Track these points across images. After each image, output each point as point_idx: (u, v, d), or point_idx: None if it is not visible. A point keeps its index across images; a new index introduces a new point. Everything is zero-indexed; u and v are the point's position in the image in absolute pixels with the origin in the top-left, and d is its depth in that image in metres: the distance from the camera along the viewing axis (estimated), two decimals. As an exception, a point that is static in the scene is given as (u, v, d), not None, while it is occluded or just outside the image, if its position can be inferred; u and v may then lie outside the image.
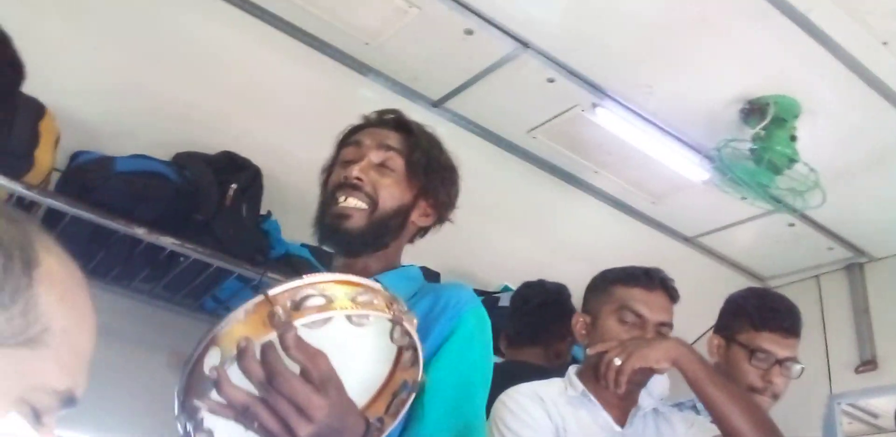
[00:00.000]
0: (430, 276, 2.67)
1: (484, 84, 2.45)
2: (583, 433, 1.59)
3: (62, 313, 0.55)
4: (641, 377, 1.61)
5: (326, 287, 0.88)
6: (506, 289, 2.93)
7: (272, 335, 0.83)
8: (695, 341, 3.11)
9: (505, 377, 1.67)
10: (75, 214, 1.99)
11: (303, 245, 2.42)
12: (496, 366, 2.29)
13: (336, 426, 0.89)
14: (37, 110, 2.04)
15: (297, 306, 0.85)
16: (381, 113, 1.43)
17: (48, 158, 2.06)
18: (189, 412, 0.85)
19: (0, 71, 1.87)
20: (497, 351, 2.44)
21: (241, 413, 0.85)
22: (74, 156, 2.19)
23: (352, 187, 1.28)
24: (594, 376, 1.63)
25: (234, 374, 0.83)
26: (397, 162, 1.33)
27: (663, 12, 2.12)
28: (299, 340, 0.84)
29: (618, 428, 1.63)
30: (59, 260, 0.57)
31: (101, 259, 2.18)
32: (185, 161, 2.28)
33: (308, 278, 0.88)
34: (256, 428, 0.86)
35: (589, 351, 1.65)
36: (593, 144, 2.68)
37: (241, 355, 0.82)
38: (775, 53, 2.22)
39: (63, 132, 2.14)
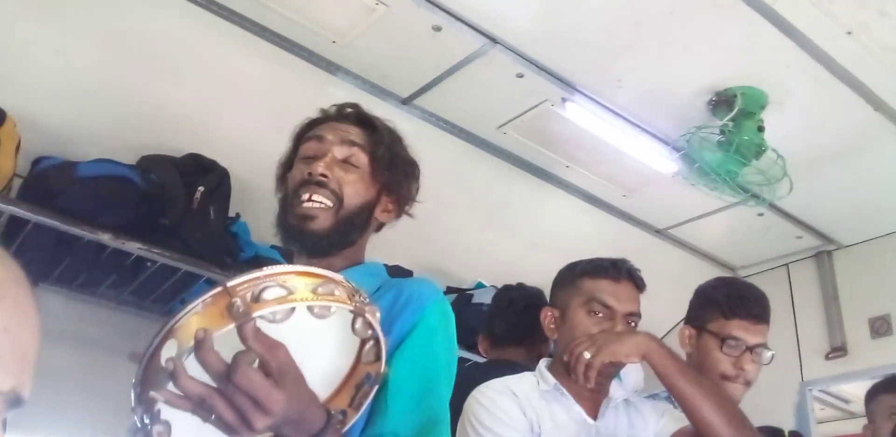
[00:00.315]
0: (403, 274, 2.67)
1: (453, 81, 2.44)
2: (556, 427, 1.59)
3: (3, 312, 0.54)
4: (612, 369, 1.62)
5: (287, 278, 0.87)
6: (479, 286, 2.93)
7: (230, 327, 0.82)
8: (668, 332, 3.15)
9: (490, 376, 1.67)
10: (38, 221, 1.95)
11: (273, 247, 2.39)
12: (480, 365, 2.31)
13: (294, 418, 0.88)
14: (-4, 116, 2.00)
15: (257, 298, 0.84)
16: (341, 107, 1.40)
17: (9, 164, 2.02)
18: (146, 404, 0.84)
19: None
20: (473, 349, 2.44)
21: (198, 405, 0.83)
22: (36, 161, 2.14)
23: (317, 184, 1.26)
24: (565, 369, 1.64)
25: (192, 365, 0.82)
26: (361, 158, 1.31)
27: (631, 6, 2.12)
28: (258, 331, 0.83)
29: (591, 421, 1.63)
30: None
31: (67, 266, 2.15)
32: (151, 164, 2.24)
33: (268, 270, 0.87)
34: (213, 420, 0.85)
35: (566, 357, 1.64)
36: (564, 138, 2.68)
37: (199, 347, 0.81)
38: (741, 45, 2.24)
39: (25, 137, 2.10)
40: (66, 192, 2.00)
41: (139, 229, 2.09)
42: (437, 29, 2.21)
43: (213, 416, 0.84)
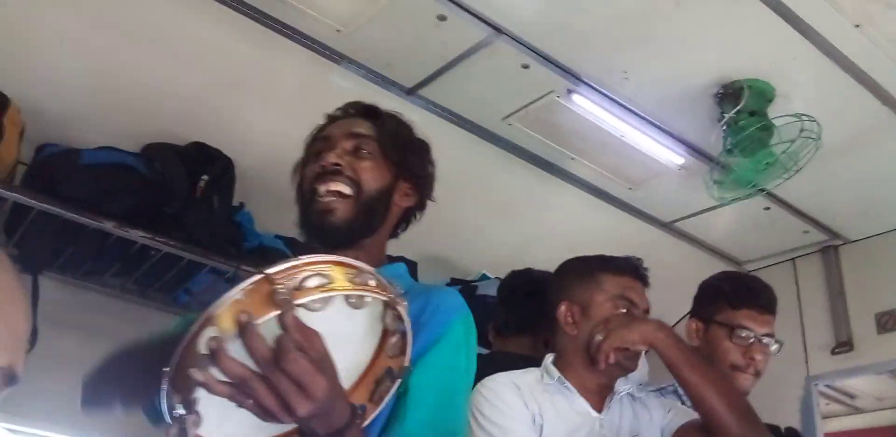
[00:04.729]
0: (408, 265, 2.66)
1: (458, 71, 2.42)
2: (560, 419, 1.59)
3: None
4: (629, 354, 1.62)
5: (324, 268, 0.88)
6: (483, 277, 2.92)
7: (274, 314, 0.82)
8: (674, 325, 3.13)
9: (493, 368, 1.67)
10: (42, 209, 1.96)
11: (277, 237, 2.39)
12: (484, 357, 2.30)
13: (326, 409, 0.88)
14: (1, 103, 1.99)
15: (299, 286, 0.84)
16: (345, 107, 1.43)
17: (13, 151, 2.02)
18: (183, 392, 0.84)
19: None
20: (482, 341, 2.43)
21: (237, 389, 0.83)
22: (40, 149, 2.15)
23: (332, 173, 1.27)
24: (573, 361, 1.65)
25: (232, 351, 0.82)
26: (371, 145, 1.32)
27: (637, -3, 2.11)
28: (298, 320, 0.83)
29: (595, 414, 1.64)
30: None
31: (71, 254, 2.15)
32: (155, 152, 2.24)
33: (306, 258, 0.88)
34: (250, 406, 0.84)
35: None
36: (569, 130, 2.67)
37: (244, 331, 0.81)
38: (749, 37, 2.22)
39: (28, 124, 2.10)
40: (70, 179, 2.01)
41: (143, 218, 2.09)
42: (442, 18, 2.20)
43: (252, 401, 0.83)
